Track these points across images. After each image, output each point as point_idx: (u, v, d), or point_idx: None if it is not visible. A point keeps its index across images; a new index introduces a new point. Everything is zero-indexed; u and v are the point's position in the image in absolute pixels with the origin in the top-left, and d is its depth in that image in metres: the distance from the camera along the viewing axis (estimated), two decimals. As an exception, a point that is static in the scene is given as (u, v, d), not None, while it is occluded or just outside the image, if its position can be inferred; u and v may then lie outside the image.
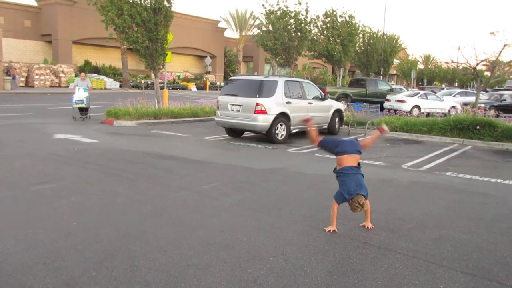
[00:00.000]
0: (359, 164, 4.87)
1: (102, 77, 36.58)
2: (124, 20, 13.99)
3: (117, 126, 13.82)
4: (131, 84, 37.66)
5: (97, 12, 14.79)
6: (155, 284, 3.37)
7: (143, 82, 38.56)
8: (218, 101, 11.85)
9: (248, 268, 3.72)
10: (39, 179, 6.62)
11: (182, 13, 43.91)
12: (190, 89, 41.90)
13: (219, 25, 51.48)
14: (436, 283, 3.57)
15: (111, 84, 36.16)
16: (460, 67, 17.80)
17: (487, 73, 16.67)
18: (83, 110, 14.95)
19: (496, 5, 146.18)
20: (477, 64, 14.08)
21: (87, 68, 37.03)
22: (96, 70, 38.52)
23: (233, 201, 5.78)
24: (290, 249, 4.17)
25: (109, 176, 7.01)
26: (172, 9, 15.03)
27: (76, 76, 32.72)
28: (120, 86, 36.90)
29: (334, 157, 5.04)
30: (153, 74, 16.04)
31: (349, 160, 4.81)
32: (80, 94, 14.65)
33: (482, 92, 22.28)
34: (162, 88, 18.35)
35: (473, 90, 27.46)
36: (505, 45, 12.97)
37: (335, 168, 4.95)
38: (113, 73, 39.35)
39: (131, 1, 14.23)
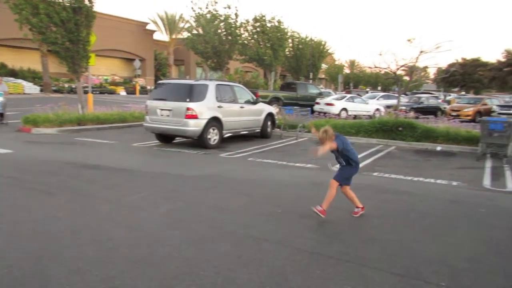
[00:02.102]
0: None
1: (20, 81, 33.84)
2: (41, 19, 12.95)
3: (36, 134, 12.76)
4: (53, 88, 35.31)
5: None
6: (70, 313, 3.02)
7: (66, 86, 36.35)
8: (146, 105, 11.37)
9: (176, 285, 3.48)
10: None
11: (108, 14, 42.08)
12: (119, 93, 40.24)
13: (148, 27, 50.07)
14: (367, 287, 3.58)
15: (31, 88, 33.61)
16: (382, 72, 18.78)
17: (406, 78, 17.70)
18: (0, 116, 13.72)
19: (413, 14, 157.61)
20: (397, 69, 14.89)
21: (3, 71, 34.01)
22: (13, 74, 35.56)
23: (162, 212, 5.48)
24: (222, 261, 3.99)
25: (23, 190, 6.36)
26: (95, 9, 14.22)
27: (-11, 80, 29.94)
28: (41, 90, 34.44)
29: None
30: (75, 78, 15.05)
31: None
32: (-8, 99, 13.40)
33: (403, 95, 23.71)
34: (86, 92, 17.31)
35: (395, 94, 29.18)
36: (421, 52, 13.84)
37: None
38: (32, 76, 36.59)
39: (48, -1, 13.22)
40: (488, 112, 22.11)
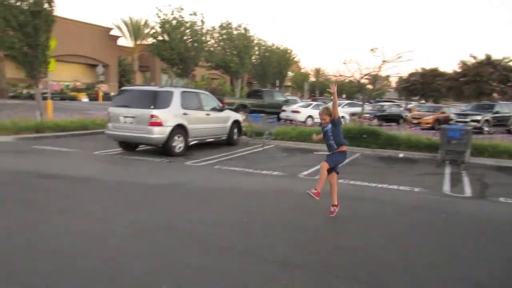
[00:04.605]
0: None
1: (-27, 86, 32.30)
2: (-3, 23, 12.41)
3: (-11, 142, 12.12)
4: (10, 94, 33.87)
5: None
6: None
7: (24, 92, 34.94)
8: (109, 112, 11.05)
9: (137, 300, 3.33)
10: None
11: (70, 19, 40.96)
12: (81, 100, 39.10)
13: (112, 32, 49.05)
14: (334, 296, 3.55)
15: (-15, 94, 32.12)
16: (347, 80, 19.17)
17: (370, 86, 18.13)
18: None
19: (377, 24, 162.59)
20: (361, 78, 15.22)
21: (-45, 76, 32.40)
22: (-34, 79, 33.91)
23: (124, 223, 5.27)
24: (186, 273, 3.86)
25: (-27, 202, 5.98)
26: (56, 13, 13.75)
27: None
28: (-3, 96, 32.99)
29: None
30: (33, 84, 14.46)
31: None
32: None
33: (366, 103, 24.27)
34: (45, 98, 16.66)
35: (359, 101, 29.85)
36: (383, 61, 14.21)
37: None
38: (-13, 82, 34.98)
39: (5, 2, 12.65)
40: (446, 120, 22.93)
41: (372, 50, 14.80)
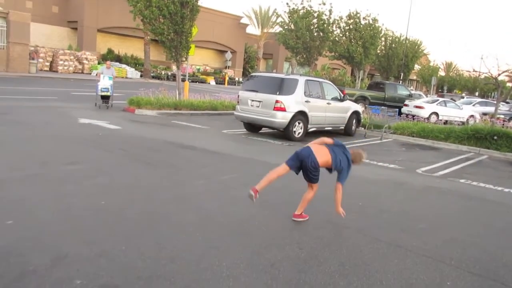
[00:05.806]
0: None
1: (124, 66, 37.10)
2: (152, 11, 14.31)
3: (138, 114, 14.17)
4: (152, 74, 38.16)
5: (123, 2, 15.22)
6: (179, 260, 3.64)
7: (163, 73, 39.04)
8: (238, 96, 12.10)
9: (265, 253, 3.96)
10: (67, 159, 6.95)
11: (206, 7, 44.20)
12: (209, 83, 42.25)
13: (242, 21, 51.68)
14: (443, 280, 3.76)
15: (132, 73, 36.69)
16: (482, 77, 17.69)
17: (509, 84, 16.52)
18: (106, 98, 15.29)
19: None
20: (499, 75, 14.06)
21: (110, 57, 37.58)
22: (118, 59, 39.07)
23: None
24: (305, 239, 4.40)
25: (132, 161, 7.32)
26: (199, 3, 15.30)
27: (99, 63, 33.33)
28: (141, 76, 37.41)
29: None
30: (175, 66, 16.34)
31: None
32: (105, 82, 15.01)
33: (502, 103, 22.09)
34: (183, 80, 18.67)
35: (493, 100, 27.16)
36: (529, 57, 12.93)
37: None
38: (134, 62, 39.86)
39: (159, -7, 14.53)
40: None
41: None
